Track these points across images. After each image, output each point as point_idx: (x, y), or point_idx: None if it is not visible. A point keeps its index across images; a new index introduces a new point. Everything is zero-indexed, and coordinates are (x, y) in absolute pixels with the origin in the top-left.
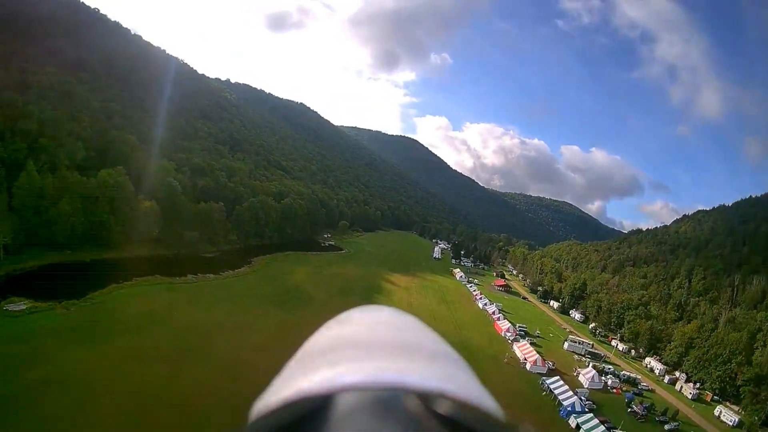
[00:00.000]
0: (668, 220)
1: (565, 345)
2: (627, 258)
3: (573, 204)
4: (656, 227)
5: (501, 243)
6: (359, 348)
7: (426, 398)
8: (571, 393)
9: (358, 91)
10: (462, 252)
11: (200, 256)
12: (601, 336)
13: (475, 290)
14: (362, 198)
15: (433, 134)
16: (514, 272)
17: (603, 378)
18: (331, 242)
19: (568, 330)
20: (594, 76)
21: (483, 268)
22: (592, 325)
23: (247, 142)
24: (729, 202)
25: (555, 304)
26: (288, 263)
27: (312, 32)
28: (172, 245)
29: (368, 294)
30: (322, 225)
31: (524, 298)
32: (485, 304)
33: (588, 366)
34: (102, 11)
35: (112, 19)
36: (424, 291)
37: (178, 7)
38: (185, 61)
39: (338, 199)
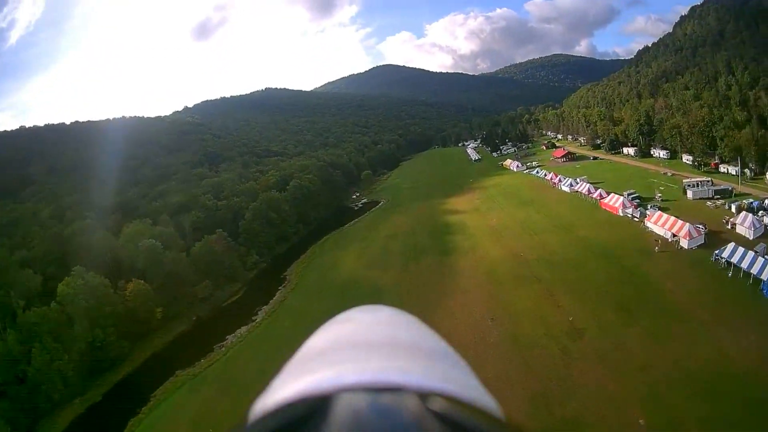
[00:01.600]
0: (658, 32)
1: (689, 194)
2: (656, 76)
3: (563, 53)
4: (662, 37)
5: (526, 115)
6: (359, 348)
7: (426, 398)
8: (761, 260)
9: (314, 51)
10: (496, 142)
11: (223, 307)
12: (703, 166)
13: (545, 174)
14: (369, 140)
15: (402, 52)
16: (560, 137)
17: (757, 217)
18: (363, 200)
19: (670, 174)
20: None
21: (528, 148)
22: (687, 157)
23: (227, 149)
24: None
25: (630, 150)
26: (329, 253)
27: (240, 21)
28: (185, 313)
29: (440, 242)
30: (344, 187)
31: (594, 158)
32: (571, 185)
33: (734, 211)
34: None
35: (42, 125)
36: (494, 202)
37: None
38: (130, 115)
39: (347, 153)
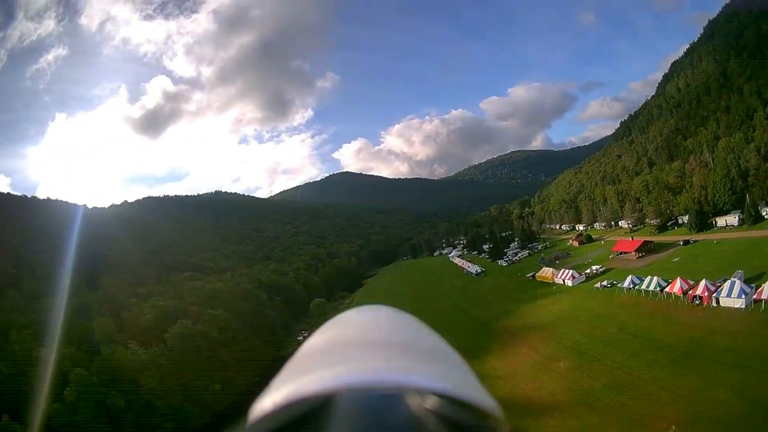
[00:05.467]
0: (613, 114)
1: None
2: (667, 137)
3: (520, 149)
4: (646, 102)
5: (516, 211)
6: (358, 348)
7: (426, 398)
8: None
9: (268, 157)
10: (489, 246)
11: None
12: None
13: (661, 287)
14: (325, 253)
15: (358, 160)
16: (581, 227)
17: None
18: None
19: None
20: (474, 18)
21: (548, 248)
22: None
23: (124, 255)
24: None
25: (728, 219)
26: None
27: (193, 117)
28: None
29: None
30: (286, 323)
31: (686, 241)
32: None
33: None
34: None
35: None
36: (624, 374)
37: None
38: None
39: (295, 269)
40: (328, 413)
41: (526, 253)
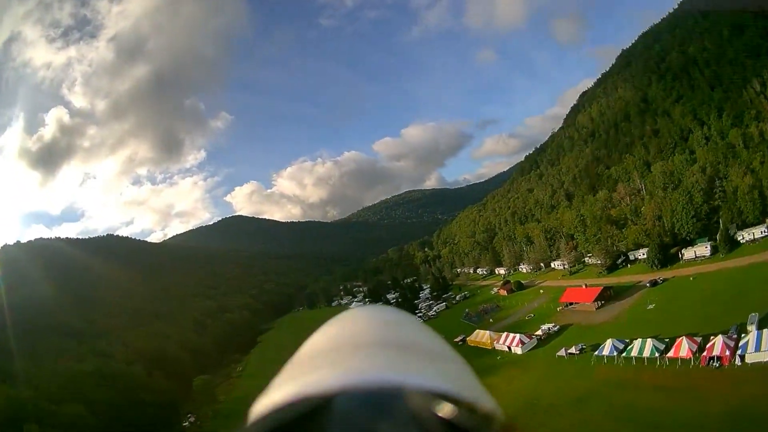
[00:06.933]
0: (509, 151)
1: None
2: (585, 167)
3: (415, 189)
4: (553, 134)
5: (419, 254)
6: (359, 348)
7: (425, 398)
8: None
9: (161, 199)
10: (396, 296)
11: None
12: None
13: (647, 348)
14: (215, 306)
15: (250, 203)
16: (502, 271)
17: None
18: None
19: None
20: (370, 61)
21: (468, 298)
22: None
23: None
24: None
25: (698, 250)
26: None
27: (87, 152)
28: None
29: None
30: (165, 408)
31: (653, 282)
32: None
33: None
34: None
35: None
36: None
37: None
38: None
39: (180, 331)
40: (327, 413)
41: (442, 305)
